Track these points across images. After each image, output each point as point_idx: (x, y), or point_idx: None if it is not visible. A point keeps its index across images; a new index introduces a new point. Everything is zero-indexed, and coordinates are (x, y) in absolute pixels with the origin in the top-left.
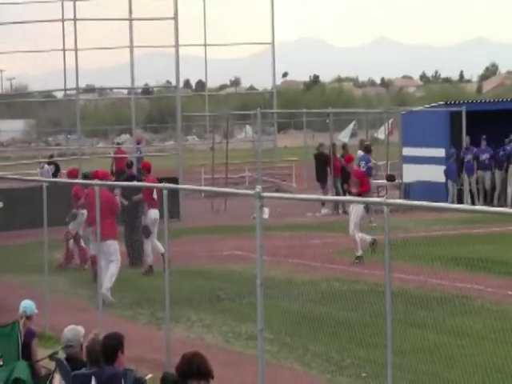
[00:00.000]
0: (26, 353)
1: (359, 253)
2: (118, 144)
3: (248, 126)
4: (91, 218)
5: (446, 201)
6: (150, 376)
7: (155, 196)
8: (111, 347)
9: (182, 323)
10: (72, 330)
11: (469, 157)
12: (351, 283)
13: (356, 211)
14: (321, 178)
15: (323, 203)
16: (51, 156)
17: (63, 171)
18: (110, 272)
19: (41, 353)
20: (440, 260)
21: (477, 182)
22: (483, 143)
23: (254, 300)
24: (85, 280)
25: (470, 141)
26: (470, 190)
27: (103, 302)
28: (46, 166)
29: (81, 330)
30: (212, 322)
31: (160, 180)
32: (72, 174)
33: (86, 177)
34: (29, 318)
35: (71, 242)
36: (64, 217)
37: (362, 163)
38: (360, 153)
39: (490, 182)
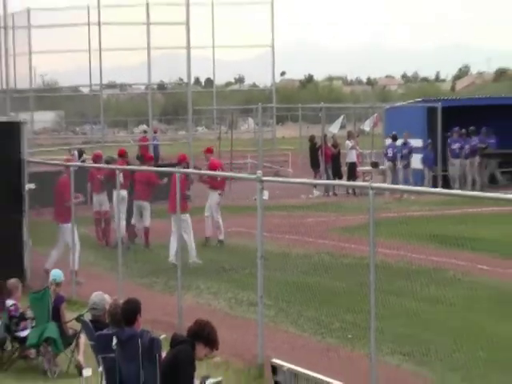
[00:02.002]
0: (56, 315)
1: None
2: (145, 132)
3: (250, 119)
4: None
5: (423, 185)
6: (163, 336)
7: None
8: (130, 311)
9: (192, 291)
10: (98, 295)
11: (456, 145)
12: (340, 257)
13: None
14: (314, 164)
15: (315, 186)
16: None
17: (87, 156)
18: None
19: (68, 315)
20: (417, 237)
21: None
22: (455, 134)
23: (254, 271)
24: (107, 253)
25: (458, 133)
26: (447, 176)
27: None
28: (75, 152)
29: (106, 296)
30: (218, 290)
31: (173, 165)
32: (97, 157)
33: (108, 162)
34: (58, 284)
35: (103, 221)
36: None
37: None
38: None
39: (461, 168)
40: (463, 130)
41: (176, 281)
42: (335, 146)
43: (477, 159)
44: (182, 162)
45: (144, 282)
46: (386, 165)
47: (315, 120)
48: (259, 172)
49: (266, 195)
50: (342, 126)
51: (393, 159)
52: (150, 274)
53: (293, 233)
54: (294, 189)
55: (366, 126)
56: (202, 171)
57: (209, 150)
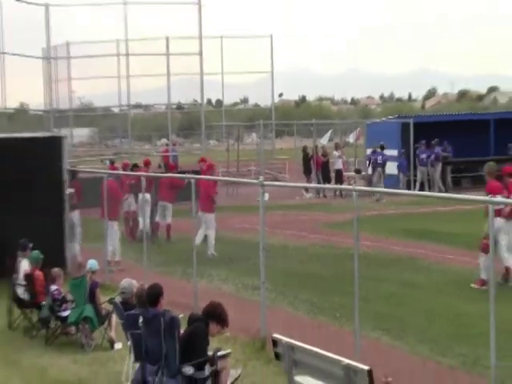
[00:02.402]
0: (92, 298)
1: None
2: (167, 145)
3: (254, 133)
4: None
5: (398, 188)
6: (181, 315)
7: None
8: (154, 294)
9: (205, 277)
10: (127, 281)
11: (423, 155)
12: (330, 248)
13: None
14: (306, 171)
15: (307, 189)
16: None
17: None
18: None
19: (102, 298)
20: (394, 231)
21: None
22: (422, 146)
23: (257, 261)
24: (134, 247)
25: (425, 145)
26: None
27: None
28: (107, 161)
29: (134, 282)
30: (227, 277)
31: (188, 173)
32: (125, 166)
33: (135, 166)
34: (94, 272)
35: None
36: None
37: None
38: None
39: (428, 174)
40: (432, 142)
41: (192, 269)
42: (324, 155)
43: (439, 166)
44: (210, 169)
45: (165, 271)
46: (370, 170)
47: (307, 134)
48: (261, 177)
49: (266, 197)
50: (330, 139)
51: (381, 165)
52: (170, 263)
53: (290, 228)
54: (289, 191)
55: (351, 139)
56: (218, 177)
57: (202, 160)
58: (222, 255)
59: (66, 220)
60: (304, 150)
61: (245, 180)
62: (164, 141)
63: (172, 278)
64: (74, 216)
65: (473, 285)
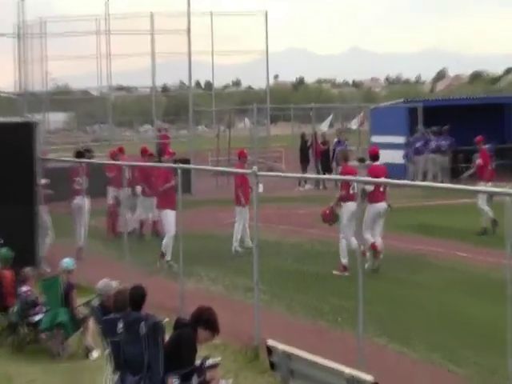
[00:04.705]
0: (67, 301)
1: None
2: (166, 130)
3: (246, 118)
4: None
5: (405, 179)
6: (166, 320)
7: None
8: (137, 296)
9: (193, 277)
10: (105, 282)
11: (419, 144)
12: (329, 245)
13: None
14: (303, 160)
15: (305, 180)
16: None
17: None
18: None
19: (78, 301)
20: (404, 227)
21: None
22: (429, 134)
23: (251, 258)
24: (116, 243)
25: (435, 132)
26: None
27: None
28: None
29: (112, 283)
30: (216, 276)
31: (175, 161)
32: (113, 154)
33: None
34: (69, 272)
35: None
36: (96, 190)
37: None
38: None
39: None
40: (443, 128)
41: (179, 268)
42: (324, 143)
43: (448, 155)
44: (242, 157)
45: (150, 269)
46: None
47: (306, 119)
48: (254, 167)
49: (261, 188)
50: (331, 125)
51: None
52: (155, 261)
53: (285, 223)
54: (286, 182)
55: (353, 125)
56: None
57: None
58: (211, 252)
59: (39, 214)
60: (302, 137)
61: (237, 170)
62: (147, 127)
63: (157, 277)
64: (43, 209)
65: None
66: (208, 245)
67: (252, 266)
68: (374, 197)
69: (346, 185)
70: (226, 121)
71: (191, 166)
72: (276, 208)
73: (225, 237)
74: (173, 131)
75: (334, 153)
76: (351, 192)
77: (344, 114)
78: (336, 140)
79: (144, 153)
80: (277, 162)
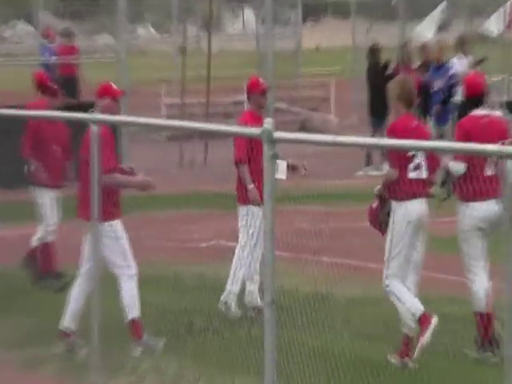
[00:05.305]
0: None
1: None
2: (68, 37)
3: (247, 10)
4: None
5: None
6: None
7: None
8: None
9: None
10: None
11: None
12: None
13: None
14: (376, 108)
15: (383, 153)
16: None
17: None
18: None
19: None
20: None
21: None
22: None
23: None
24: None
25: None
26: None
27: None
28: None
29: None
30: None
31: (78, 107)
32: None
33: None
34: None
35: None
36: None
37: None
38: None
39: None
40: None
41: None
42: (426, 64)
43: None
44: (254, 92)
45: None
46: None
47: (384, 13)
48: (268, 120)
49: (282, 171)
50: (443, 26)
51: None
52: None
53: (336, 250)
54: (341, 156)
55: (492, 26)
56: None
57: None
58: (171, 322)
59: None
60: (373, 50)
61: (231, 128)
62: (22, 27)
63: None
64: None
65: None
66: (162, 302)
67: (259, 349)
68: (472, 190)
69: (401, 158)
70: (203, 14)
71: (120, 117)
72: (314, 214)
73: (195, 282)
74: (82, 38)
75: (450, 88)
76: (411, 176)
77: (473, 5)
78: (454, 59)
79: (44, 87)
80: (318, 108)
